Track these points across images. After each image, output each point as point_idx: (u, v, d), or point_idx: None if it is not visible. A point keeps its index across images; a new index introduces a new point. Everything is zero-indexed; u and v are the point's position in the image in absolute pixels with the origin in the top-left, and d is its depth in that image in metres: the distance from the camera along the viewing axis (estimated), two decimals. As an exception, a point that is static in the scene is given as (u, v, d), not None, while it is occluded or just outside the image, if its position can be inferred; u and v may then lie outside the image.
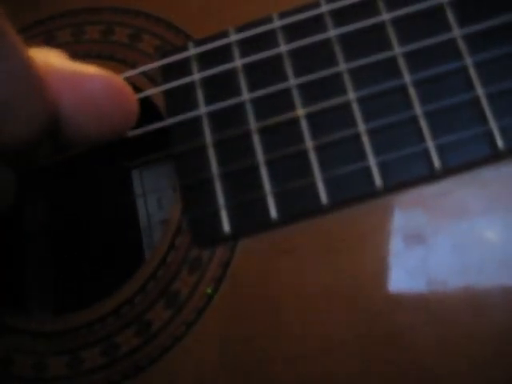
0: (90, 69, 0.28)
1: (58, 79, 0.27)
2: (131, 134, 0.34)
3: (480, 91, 0.30)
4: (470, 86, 0.30)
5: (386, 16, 0.32)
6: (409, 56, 0.31)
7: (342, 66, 0.32)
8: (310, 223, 0.31)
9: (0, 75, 0.24)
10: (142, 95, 0.34)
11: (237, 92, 0.33)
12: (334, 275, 0.31)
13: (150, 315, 0.33)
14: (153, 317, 0.33)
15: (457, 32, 0.31)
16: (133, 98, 0.29)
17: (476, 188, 0.30)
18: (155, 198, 0.44)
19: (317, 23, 0.33)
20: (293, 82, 0.32)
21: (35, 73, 0.26)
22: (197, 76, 0.34)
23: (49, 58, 0.27)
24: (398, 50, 0.31)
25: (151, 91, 0.34)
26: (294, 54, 0.33)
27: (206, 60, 0.34)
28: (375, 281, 0.30)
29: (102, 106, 0.28)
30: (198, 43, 0.34)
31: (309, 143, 0.32)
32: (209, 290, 0.32)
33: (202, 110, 0.33)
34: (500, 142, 0.29)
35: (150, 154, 0.35)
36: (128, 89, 0.29)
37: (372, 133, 0.31)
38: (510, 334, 0.28)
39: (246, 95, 0.33)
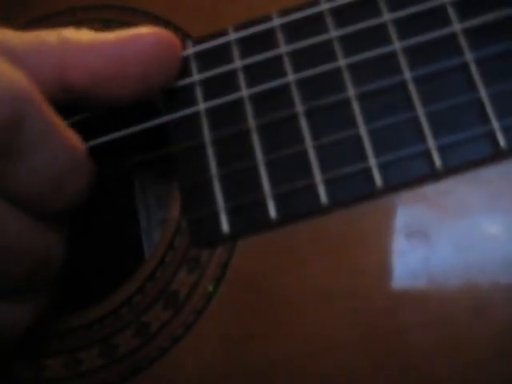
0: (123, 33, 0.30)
1: (98, 52, 0.30)
2: (129, 131, 0.34)
3: (482, 90, 0.30)
4: (471, 84, 0.30)
5: (386, 13, 0.32)
6: (409, 52, 0.31)
7: (342, 62, 0.32)
8: (309, 223, 0.31)
9: (48, 158, 0.27)
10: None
11: (236, 90, 0.33)
12: (334, 275, 0.30)
13: (148, 316, 0.33)
14: (152, 317, 0.32)
15: (458, 27, 0.31)
16: (172, 50, 0.31)
17: (478, 187, 0.30)
18: (155, 198, 0.44)
19: (317, 21, 0.33)
20: (292, 78, 0.32)
21: (76, 149, 0.28)
22: (196, 76, 0.34)
23: (68, 39, 0.30)
24: (397, 45, 0.31)
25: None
26: (294, 52, 0.33)
27: (204, 58, 0.34)
28: (376, 280, 0.30)
29: (135, 68, 0.30)
30: (197, 42, 0.34)
31: (308, 143, 0.31)
32: (210, 288, 0.32)
33: (201, 107, 0.33)
34: (502, 141, 0.29)
35: (149, 152, 0.35)
36: (166, 41, 0.31)
37: (372, 132, 0.31)
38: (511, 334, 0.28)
39: (245, 93, 0.33)
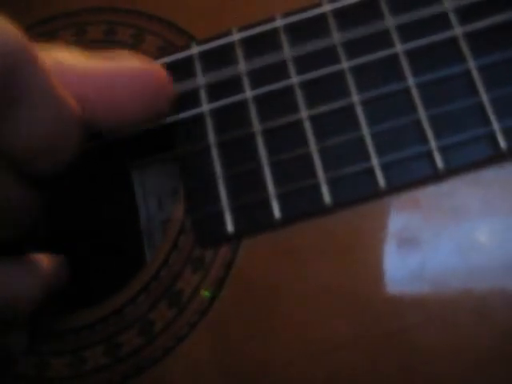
0: (110, 64, 0.30)
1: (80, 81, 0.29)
2: (132, 133, 0.34)
3: (483, 94, 0.30)
4: (473, 88, 0.31)
5: (388, 16, 0.32)
6: (412, 56, 0.32)
7: (345, 65, 0.32)
8: (312, 224, 0.31)
9: (45, 115, 0.26)
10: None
11: (240, 92, 0.33)
12: (335, 276, 0.31)
13: (152, 315, 0.33)
14: (156, 317, 0.33)
15: (459, 32, 0.31)
16: (164, 85, 0.31)
17: (477, 189, 0.30)
18: (156, 199, 0.44)
19: (320, 23, 0.33)
20: (296, 81, 0.33)
21: (71, 109, 0.28)
22: (201, 77, 0.34)
23: (66, 59, 0.29)
24: (400, 49, 0.32)
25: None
26: (297, 54, 0.33)
27: (209, 60, 0.34)
28: (375, 282, 0.30)
29: (124, 102, 0.30)
30: (201, 43, 0.34)
31: (312, 144, 0.32)
32: (206, 293, 0.32)
33: (206, 108, 0.33)
34: (502, 143, 0.30)
35: (152, 155, 0.35)
36: (157, 76, 0.31)
37: (375, 134, 0.31)
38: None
39: (249, 94, 0.33)
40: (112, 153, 0.39)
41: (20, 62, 0.24)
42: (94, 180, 0.43)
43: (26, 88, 0.25)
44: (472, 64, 0.31)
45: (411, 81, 0.31)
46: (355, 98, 0.32)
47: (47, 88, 0.26)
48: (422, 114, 0.31)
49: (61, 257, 0.34)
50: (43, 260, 0.33)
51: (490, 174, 0.30)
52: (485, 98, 0.30)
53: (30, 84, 0.25)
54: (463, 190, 0.30)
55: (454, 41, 0.31)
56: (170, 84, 0.32)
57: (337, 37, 0.33)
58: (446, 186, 0.31)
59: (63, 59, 0.30)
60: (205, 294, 0.32)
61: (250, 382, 0.31)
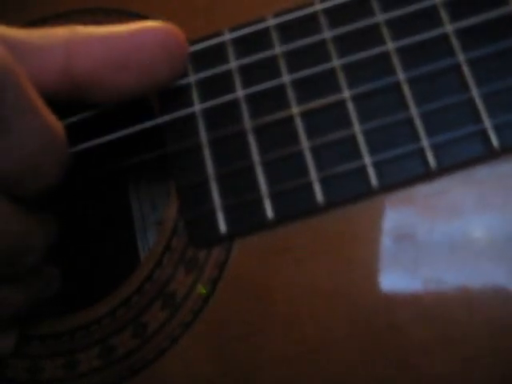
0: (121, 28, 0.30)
1: (91, 46, 0.29)
2: (125, 132, 0.34)
3: (474, 90, 0.30)
4: (463, 84, 0.31)
5: (379, 13, 0.32)
6: (402, 53, 0.32)
7: (336, 63, 0.32)
8: (305, 223, 0.31)
9: (26, 136, 0.26)
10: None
11: (232, 91, 0.33)
12: (330, 274, 0.31)
13: (146, 317, 0.33)
14: (149, 318, 0.33)
15: (449, 28, 0.31)
16: (180, 46, 0.31)
17: (470, 186, 0.30)
18: (149, 200, 0.44)
19: (311, 21, 0.33)
20: (287, 79, 0.33)
21: (54, 127, 0.28)
22: (192, 76, 0.34)
23: (77, 30, 0.30)
24: (391, 45, 0.32)
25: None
26: (289, 53, 0.33)
27: (200, 59, 0.34)
28: (370, 279, 0.30)
29: (142, 61, 0.30)
30: (193, 43, 0.34)
31: (304, 143, 0.32)
32: (203, 290, 0.32)
33: (197, 108, 0.33)
34: (494, 140, 0.30)
35: (144, 154, 0.35)
36: (174, 37, 0.31)
37: (367, 132, 0.31)
38: (505, 331, 0.28)
39: (240, 93, 0.33)
40: (107, 154, 0.39)
41: (5, 85, 0.24)
42: (88, 182, 0.43)
43: (12, 110, 0.25)
44: (462, 58, 0.31)
45: (402, 77, 0.31)
46: (346, 94, 0.32)
47: (32, 109, 0.26)
48: (414, 111, 0.31)
49: (55, 270, 0.34)
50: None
51: (483, 172, 0.30)
52: (476, 94, 0.30)
53: (16, 106, 0.25)
54: (456, 188, 0.30)
55: (444, 37, 0.31)
56: (186, 42, 0.32)
57: (328, 34, 0.33)
58: (439, 184, 0.31)
59: (81, 29, 0.30)
60: (201, 290, 0.32)
61: (245, 381, 0.31)
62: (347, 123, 0.31)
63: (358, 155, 0.31)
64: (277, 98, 0.33)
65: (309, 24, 0.33)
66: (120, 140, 0.34)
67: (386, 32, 0.32)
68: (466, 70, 0.31)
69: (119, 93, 0.31)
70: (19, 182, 0.27)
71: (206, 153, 0.33)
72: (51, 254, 0.34)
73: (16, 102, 0.25)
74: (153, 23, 0.31)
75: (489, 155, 0.30)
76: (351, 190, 0.31)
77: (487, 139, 0.30)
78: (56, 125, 0.28)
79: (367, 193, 0.31)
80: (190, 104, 0.34)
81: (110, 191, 0.44)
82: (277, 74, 0.33)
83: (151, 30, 0.30)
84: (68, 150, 0.29)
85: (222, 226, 0.32)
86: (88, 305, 0.34)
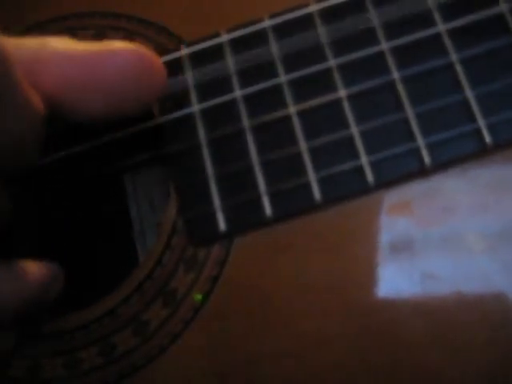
0: (100, 46, 0.29)
1: (63, 65, 0.28)
2: (122, 134, 0.34)
3: (467, 89, 0.31)
4: (457, 83, 0.31)
5: (374, 14, 0.33)
6: (397, 53, 0.32)
7: (332, 63, 0.33)
8: (304, 222, 0.32)
9: (13, 114, 0.25)
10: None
11: (230, 91, 0.34)
12: (328, 273, 0.31)
13: (147, 315, 0.33)
14: (150, 316, 0.33)
15: (442, 28, 0.32)
16: (154, 71, 0.30)
17: (464, 184, 0.31)
18: (148, 200, 0.44)
19: (307, 22, 0.34)
20: (284, 79, 0.33)
21: (37, 107, 0.27)
22: (190, 77, 0.34)
23: (46, 44, 0.28)
24: (385, 46, 0.32)
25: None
26: (286, 53, 0.34)
27: (198, 60, 0.34)
28: (367, 278, 0.30)
29: (111, 82, 0.29)
30: (190, 44, 0.35)
31: (302, 142, 0.32)
32: (198, 297, 0.32)
33: (196, 108, 0.34)
34: (488, 138, 0.30)
35: (142, 154, 0.35)
36: (150, 60, 0.29)
37: (363, 131, 0.32)
38: (500, 326, 0.29)
39: (238, 93, 0.33)
40: (106, 155, 0.39)
41: None
42: (86, 182, 0.43)
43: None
44: (455, 58, 0.31)
45: (397, 76, 0.32)
46: (342, 93, 0.32)
47: (14, 85, 0.25)
48: (409, 111, 0.31)
49: (57, 269, 0.34)
50: (31, 267, 0.32)
51: (477, 169, 0.31)
52: (469, 93, 0.31)
53: (2, 80, 0.24)
54: (452, 189, 0.31)
55: (438, 36, 0.32)
56: (163, 68, 0.30)
57: (323, 34, 0.33)
58: (434, 182, 0.31)
59: (50, 41, 0.29)
60: (197, 297, 0.32)
61: (244, 377, 0.31)
62: (343, 122, 0.32)
63: (354, 154, 0.31)
64: (274, 97, 0.33)
65: (305, 25, 0.34)
66: (119, 141, 0.35)
67: (380, 32, 0.33)
68: (459, 69, 0.31)
69: (88, 114, 0.29)
70: (6, 158, 0.27)
71: (205, 153, 0.33)
72: (51, 254, 0.35)
73: (2, 82, 0.24)
74: (127, 45, 0.29)
75: (482, 153, 0.31)
76: (348, 188, 0.31)
77: (481, 137, 0.30)
78: (39, 104, 0.27)
79: (364, 191, 0.31)
80: (189, 104, 0.34)
81: (108, 192, 0.44)
82: (274, 73, 0.33)
83: (124, 52, 0.29)
84: (44, 127, 0.28)
85: (222, 225, 0.32)
86: (88, 305, 0.34)
